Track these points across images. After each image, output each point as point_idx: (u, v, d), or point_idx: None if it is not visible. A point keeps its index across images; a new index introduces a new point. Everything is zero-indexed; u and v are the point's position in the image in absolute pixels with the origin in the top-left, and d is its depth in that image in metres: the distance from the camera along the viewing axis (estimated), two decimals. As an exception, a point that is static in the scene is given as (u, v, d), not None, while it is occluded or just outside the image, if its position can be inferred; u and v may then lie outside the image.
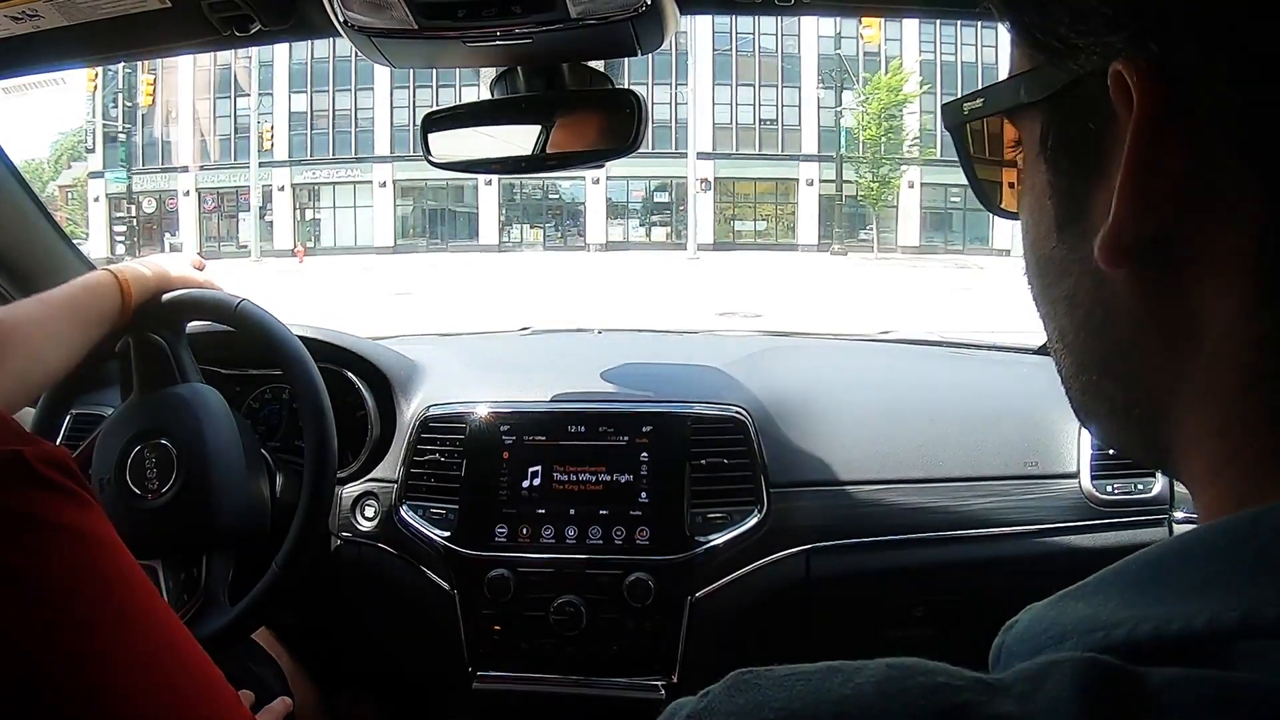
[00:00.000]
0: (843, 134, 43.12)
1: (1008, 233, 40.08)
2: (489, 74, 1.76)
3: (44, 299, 1.49)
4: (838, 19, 37.74)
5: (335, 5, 1.44)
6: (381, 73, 41.22)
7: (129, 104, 47.11)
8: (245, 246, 46.52)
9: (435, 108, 1.78)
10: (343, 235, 48.30)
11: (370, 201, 47.43)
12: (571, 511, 1.84)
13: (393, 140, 46.93)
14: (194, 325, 1.78)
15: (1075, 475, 1.88)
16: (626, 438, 1.86)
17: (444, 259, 40.01)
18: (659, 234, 47.03)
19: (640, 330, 2.67)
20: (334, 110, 47.06)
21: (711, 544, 1.80)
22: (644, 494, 1.83)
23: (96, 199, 49.40)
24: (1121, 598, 0.41)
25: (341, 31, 1.51)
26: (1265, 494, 0.41)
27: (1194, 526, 0.43)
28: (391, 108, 46.73)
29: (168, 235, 48.05)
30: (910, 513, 1.86)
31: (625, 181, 46.78)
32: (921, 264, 35.99)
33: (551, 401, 1.94)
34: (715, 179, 44.98)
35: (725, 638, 1.83)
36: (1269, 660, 0.35)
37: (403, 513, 1.90)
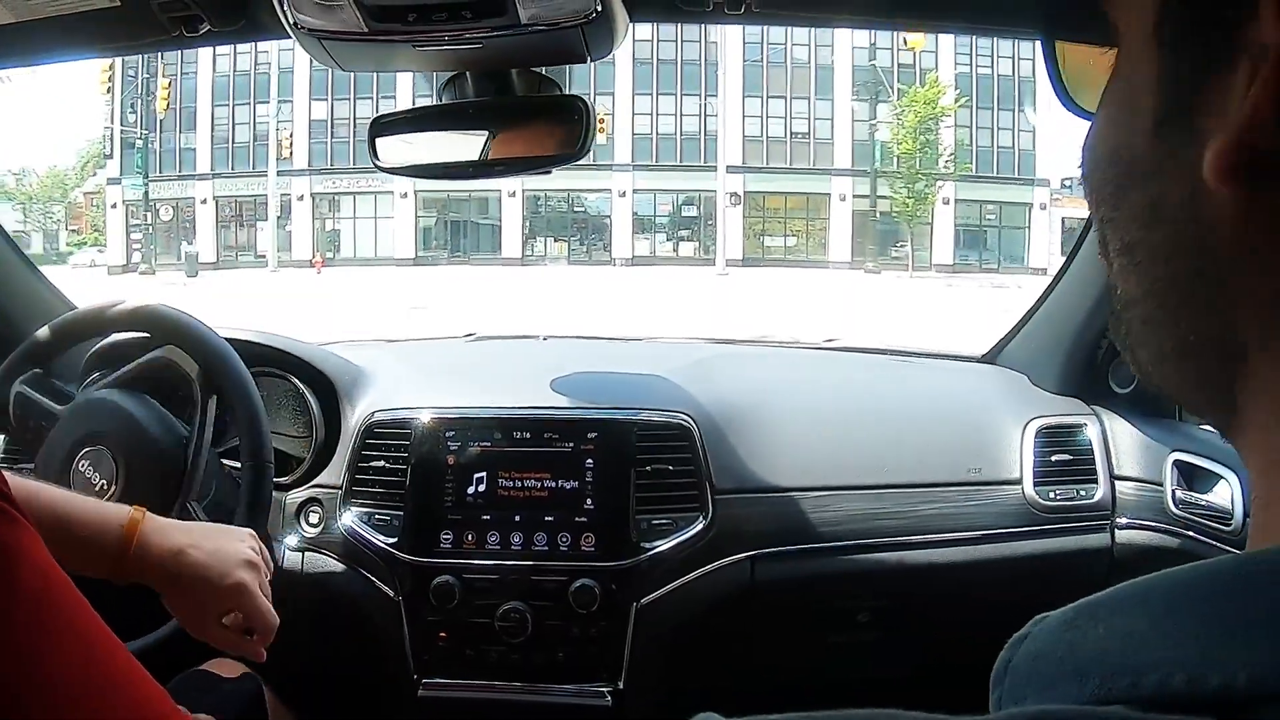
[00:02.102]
0: (877, 148, 42.80)
1: (1044, 252, 39.85)
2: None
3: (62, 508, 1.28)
4: (875, 30, 34.76)
5: (285, 7, 1.46)
6: (404, 81, 39.24)
7: (148, 109, 46.52)
8: (264, 256, 45.96)
9: (384, 113, 1.83)
10: (363, 246, 47.73)
11: (391, 212, 46.97)
12: (517, 518, 1.87)
13: None
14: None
15: (1018, 482, 1.93)
16: (572, 444, 1.90)
17: (465, 272, 39.30)
18: (686, 249, 46.37)
19: (587, 337, 2.71)
20: (355, 118, 45.76)
21: (657, 550, 1.84)
22: (589, 500, 1.87)
23: (114, 206, 49.34)
24: (1149, 626, 0.38)
25: (291, 33, 1.53)
26: None
27: (1237, 555, 0.39)
28: None
29: (184, 243, 47.09)
30: (854, 519, 1.90)
31: (652, 195, 46.54)
32: (956, 282, 35.58)
33: (497, 408, 1.97)
34: (745, 193, 44.81)
35: (671, 644, 1.87)
36: None
37: (347, 519, 1.93)
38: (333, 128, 46.70)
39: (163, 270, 43.55)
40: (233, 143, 48.41)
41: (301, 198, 47.26)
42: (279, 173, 45.31)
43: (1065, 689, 0.38)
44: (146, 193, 46.12)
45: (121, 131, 47.35)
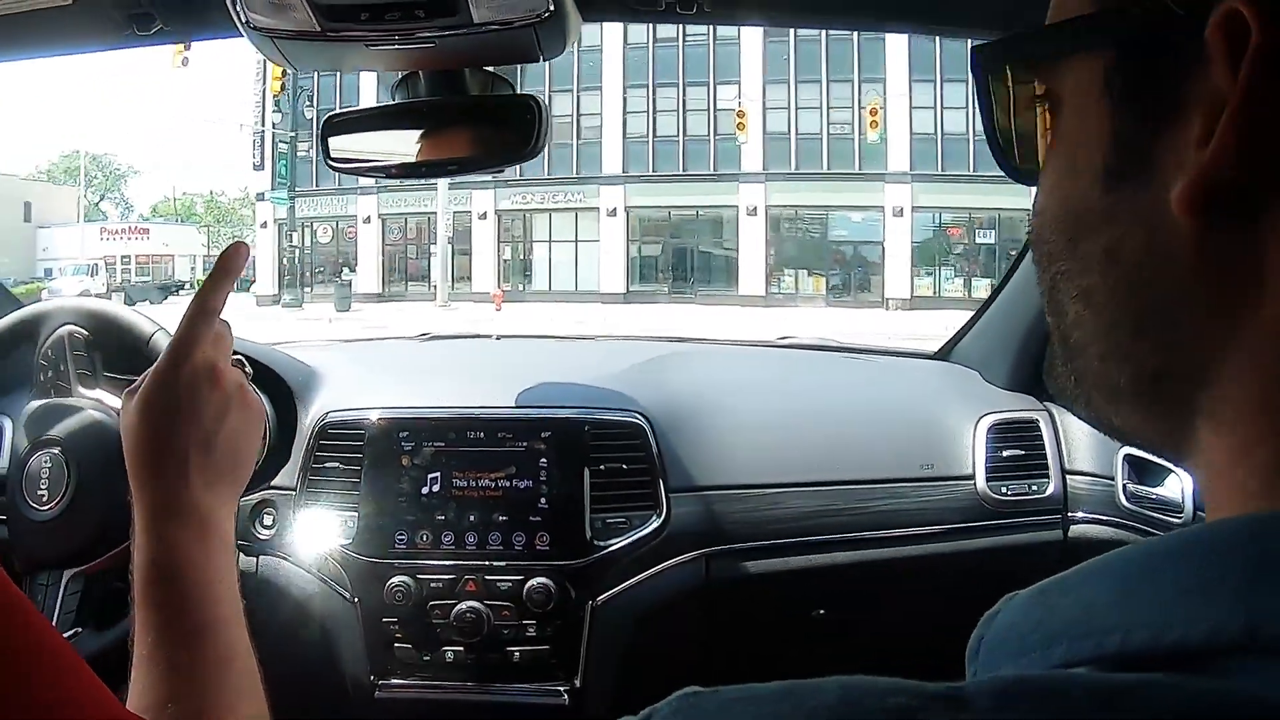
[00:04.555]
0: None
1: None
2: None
3: None
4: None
5: (238, 6, 1.48)
6: (612, 70, 36.27)
7: (295, 107, 39.19)
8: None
9: (338, 110, 1.81)
10: (560, 276, 39.60)
11: (595, 234, 38.62)
12: (471, 517, 1.90)
13: (625, 155, 38.19)
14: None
15: (971, 477, 1.99)
16: (525, 443, 1.93)
17: (690, 312, 30.65)
18: (981, 288, 33.60)
19: (539, 336, 2.75)
20: (550, 115, 37.32)
21: (611, 548, 1.88)
22: (543, 500, 1.90)
23: (264, 225, 42.68)
24: (1113, 595, 0.41)
25: (243, 32, 1.55)
26: None
27: (1196, 526, 0.42)
28: (624, 113, 38.11)
29: (345, 271, 41.38)
30: (809, 515, 1.95)
31: (934, 214, 36.72)
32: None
33: (451, 408, 2.00)
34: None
35: (628, 642, 1.91)
36: (1269, 676, 0.35)
37: (301, 521, 1.95)
38: None
39: (317, 303, 37.51)
40: (400, 146, 41.48)
41: (484, 215, 39.91)
42: (452, 184, 36.00)
43: (1035, 656, 0.41)
44: (292, 209, 40.32)
45: (274, 134, 40.66)
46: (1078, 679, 0.37)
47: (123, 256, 55.21)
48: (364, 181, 36.32)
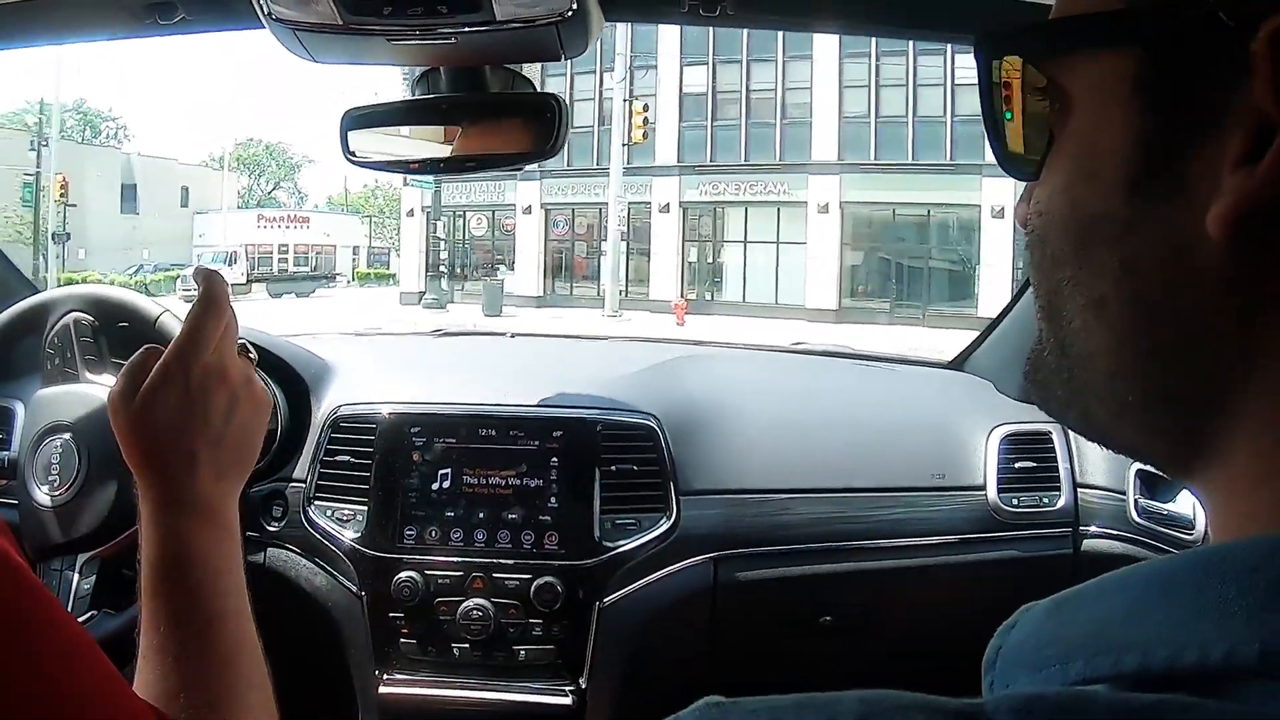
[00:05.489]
0: None
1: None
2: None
3: None
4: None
5: None
6: (824, 39, 28.61)
7: None
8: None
9: (356, 105, 1.81)
10: (756, 285, 32.36)
11: (801, 235, 30.83)
12: (481, 515, 1.92)
13: (840, 139, 30.54)
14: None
15: (982, 488, 2.00)
16: (537, 442, 1.94)
17: (915, 335, 23.89)
18: None
19: (554, 336, 2.75)
20: (747, 90, 31.77)
21: (620, 550, 1.89)
22: (554, 499, 1.91)
23: (410, 213, 38.00)
24: (1128, 612, 0.41)
25: (265, 23, 1.55)
26: None
27: (1213, 545, 0.42)
28: (840, 87, 30.41)
29: (501, 269, 36.26)
30: (818, 522, 1.96)
31: None
32: None
33: (463, 404, 2.01)
34: None
35: (633, 644, 1.92)
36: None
37: (311, 513, 1.96)
38: (714, 104, 32.47)
39: (465, 303, 32.84)
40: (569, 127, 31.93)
41: (666, 207, 33.23)
42: (626, 170, 30.35)
43: (1052, 672, 0.41)
44: (437, 194, 34.83)
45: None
46: (1097, 697, 0.37)
47: (280, 245, 54.63)
48: (524, 162, 33.82)
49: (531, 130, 1.75)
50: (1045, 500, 2.00)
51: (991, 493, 1.99)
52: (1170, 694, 0.36)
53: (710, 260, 33.89)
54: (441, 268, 33.71)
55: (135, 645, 0.95)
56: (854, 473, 2.01)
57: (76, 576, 1.66)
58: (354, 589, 1.93)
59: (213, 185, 58.56)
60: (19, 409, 1.85)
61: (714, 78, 32.02)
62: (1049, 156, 0.53)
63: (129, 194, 51.51)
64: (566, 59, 1.72)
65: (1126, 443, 0.53)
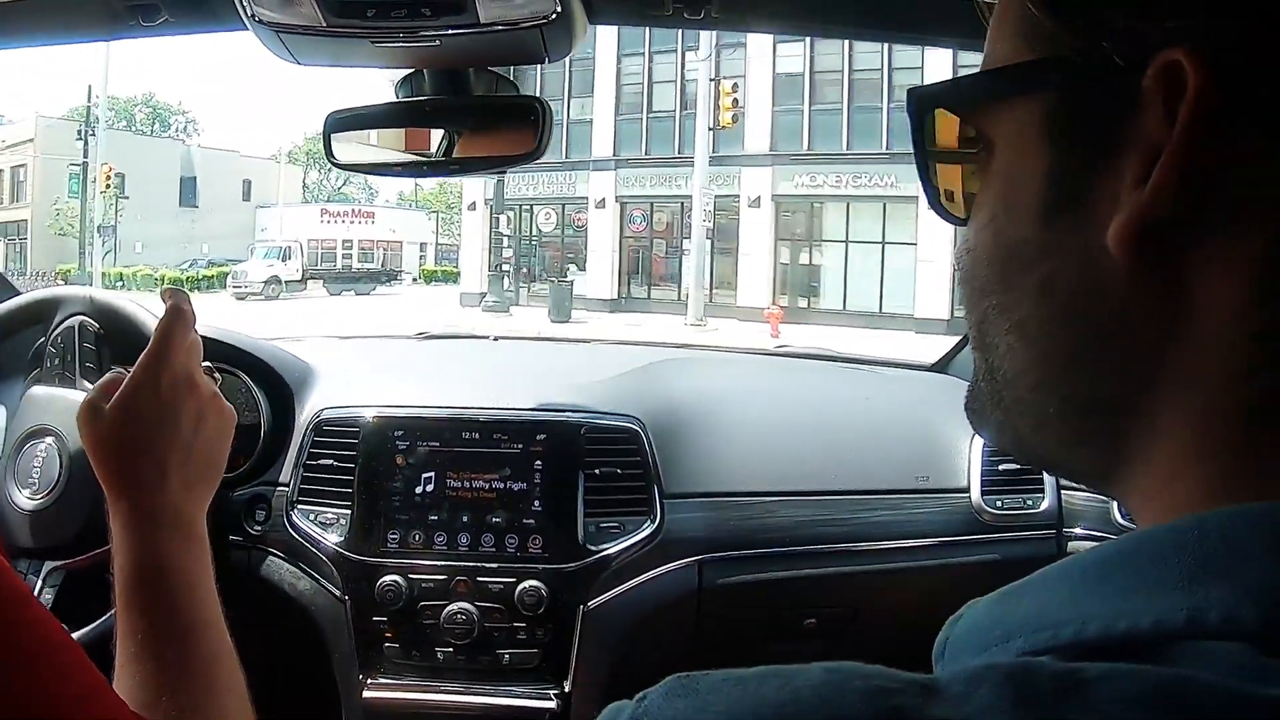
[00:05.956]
0: None
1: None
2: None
3: None
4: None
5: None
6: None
7: None
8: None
9: (339, 108, 1.82)
10: (859, 291, 28.86)
11: (911, 234, 26.85)
12: (464, 518, 1.92)
13: None
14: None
15: (966, 490, 2.01)
16: (521, 445, 1.94)
17: None
18: None
19: (537, 339, 2.76)
20: (850, 72, 28.08)
21: (604, 553, 1.89)
22: (537, 502, 1.91)
23: (472, 206, 35.30)
24: (1068, 595, 0.44)
25: (248, 25, 1.55)
26: (1242, 485, 0.45)
27: (1142, 529, 0.46)
28: (954, 68, 22.10)
29: (571, 269, 33.25)
30: (803, 525, 1.97)
31: None
32: None
33: (446, 408, 2.01)
34: None
35: (618, 647, 1.92)
36: (1211, 659, 0.38)
37: (294, 517, 1.96)
38: (811, 86, 28.86)
39: (532, 306, 30.94)
40: (647, 112, 31.50)
41: (755, 201, 29.75)
42: (712, 160, 26.75)
43: (995, 650, 0.45)
44: (499, 186, 31.31)
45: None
46: (1043, 663, 0.40)
47: (344, 240, 53.75)
48: (597, 150, 31.59)
49: (516, 132, 1.74)
50: (1029, 502, 2.02)
51: (975, 495, 2.01)
52: (1107, 661, 0.39)
53: (806, 262, 30.68)
54: (505, 266, 31.17)
55: (101, 662, 0.96)
56: (838, 475, 2.02)
57: (40, 584, 1.65)
58: (337, 593, 1.93)
59: (277, 179, 58.19)
60: (1, 409, 1.84)
61: (811, 57, 28.47)
62: (976, 198, 0.58)
63: (188, 187, 51.34)
64: (550, 62, 1.71)
65: (1049, 456, 0.57)
